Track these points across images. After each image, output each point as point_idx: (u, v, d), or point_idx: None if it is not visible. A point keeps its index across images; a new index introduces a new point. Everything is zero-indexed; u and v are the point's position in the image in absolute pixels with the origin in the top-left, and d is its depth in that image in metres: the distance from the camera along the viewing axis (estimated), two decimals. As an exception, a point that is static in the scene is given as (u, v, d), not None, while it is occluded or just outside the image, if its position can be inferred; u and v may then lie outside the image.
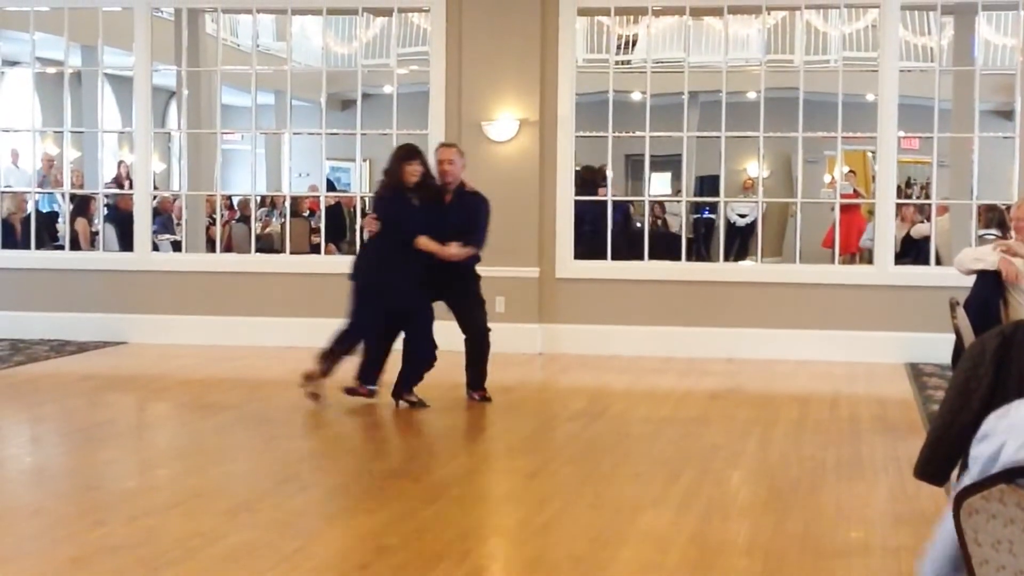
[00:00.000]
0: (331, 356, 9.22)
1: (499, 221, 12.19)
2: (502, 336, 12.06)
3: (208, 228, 15.11)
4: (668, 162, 18.16)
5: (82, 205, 15.45)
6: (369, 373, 9.25)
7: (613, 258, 12.54)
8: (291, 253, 13.62)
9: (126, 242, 13.69)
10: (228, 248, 15.26)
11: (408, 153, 9.16)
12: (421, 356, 9.12)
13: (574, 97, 12.44)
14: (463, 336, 9.44)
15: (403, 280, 9.02)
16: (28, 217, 13.96)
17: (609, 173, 13.13)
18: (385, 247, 9.10)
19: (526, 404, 9.89)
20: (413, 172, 9.05)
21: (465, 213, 9.24)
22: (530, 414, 9.43)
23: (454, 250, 9.04)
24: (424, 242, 8.98)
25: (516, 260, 12.27)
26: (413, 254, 9.02)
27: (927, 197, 16.44)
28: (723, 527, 6.05)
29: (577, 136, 12.52)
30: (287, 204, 14.99)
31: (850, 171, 18.65)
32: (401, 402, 9.15)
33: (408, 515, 6.20)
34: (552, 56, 12.34)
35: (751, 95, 14.96)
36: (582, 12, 12.88)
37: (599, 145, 13.16)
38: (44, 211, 16.41)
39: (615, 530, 5.96)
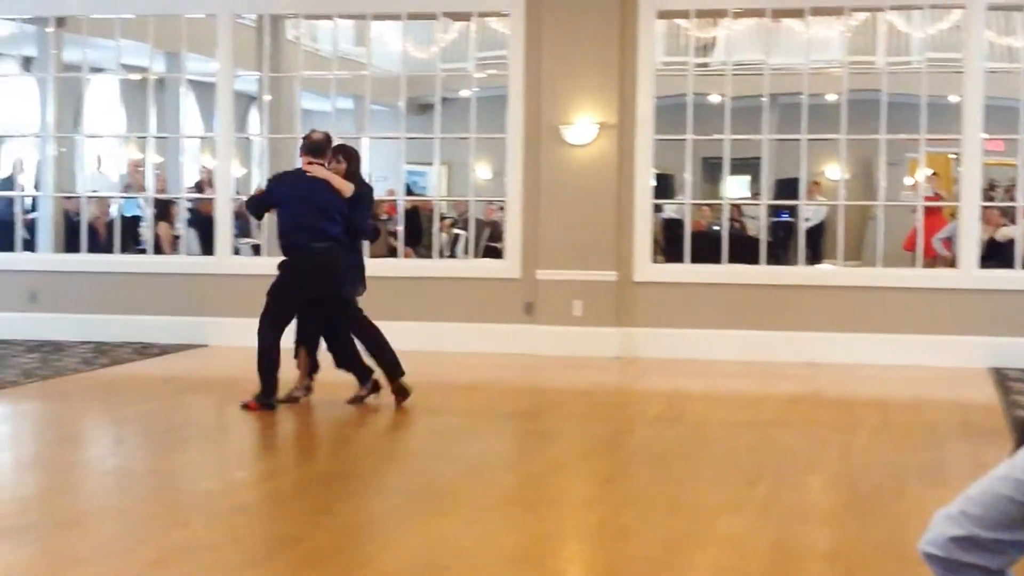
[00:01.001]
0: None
1: (577, 224, 12.25)
2: (579, 340, 12.12)
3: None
4: (746, 165, 18.04)
5: (164, 209, 15.63)
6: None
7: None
8: (369, 257, 13.65)
9: (207, 246, 13.82)
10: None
11: None
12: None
13: (653, 100, 12.39)
14: None
15: None
16: (112, 221, 14.14)
17: (687, 176, 13.07)
18: None
19: (602, 408, 9.87)
20: None
21: None
22: (607, 418, 9.41)
23: None
24: None
25: (593, 264, 12.25)
26: None
27: (1011, 200, 16.18)
28: (803, 532, 5.98)
29: (655, 139, 12.46)
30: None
31: (933, 173, 18.39)
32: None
33: (485, 517, 6.21)
34: (631, 59, 12.30)
35: (831, 97, 14.82)
36: (661, 15, 12.81)
37: (677, 148, 13.10)
38: (127, 215, 16.61)
39: (693, 534, 5.92)
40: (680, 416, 9.30)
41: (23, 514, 6.29)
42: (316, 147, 9.20)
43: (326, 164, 9.20)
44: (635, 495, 6.80)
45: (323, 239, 9.00)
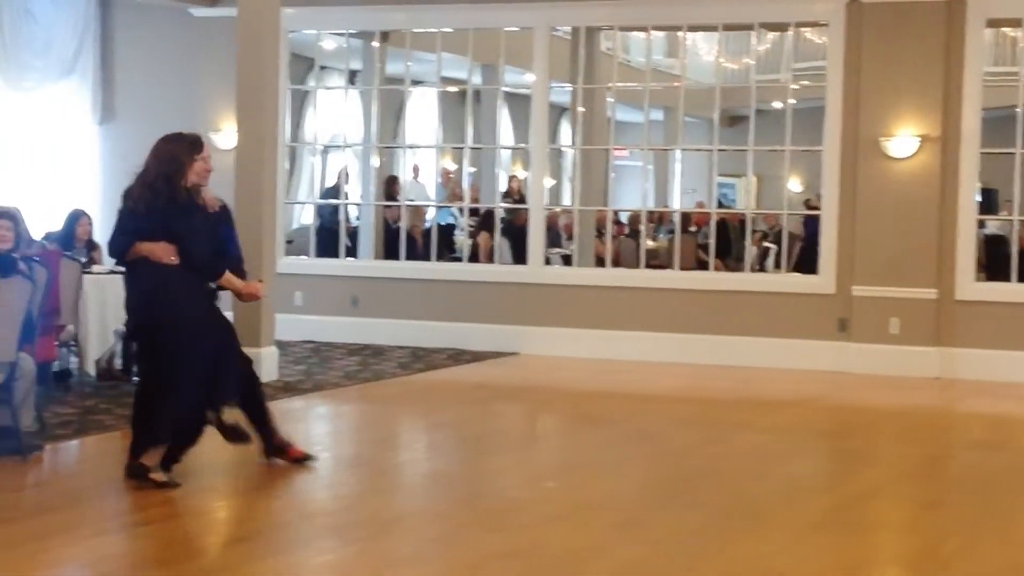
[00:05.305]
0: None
1: (895, 240, 11.87)
2: (896, 359, 11.73)
3: (596, 243, 15.28)
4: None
5: (486, 219, 15.95)
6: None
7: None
8: (680, 269, 13.58)
9: (518, 255, 14.03)
10: (616, 263, 15.40)
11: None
12: None
13: (980, 112, 11.88)
14: None
15: None
16: (429, 229, 14.52)
17: (1016, 192, 12.49)
18: None
19: (920, 430, 9.54)
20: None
21: None
22: (925, 441, 9.07)
23: None
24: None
25: (912, 280, 11.84)
26: None
27: None
28: None
29: (980, 152, 11.94)
30: (676, 219, 14.97)
31: None
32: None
33: (799, 540, 6.06)
34: (957, 69, 11.83)
35: None
36: (991, 23, 12.30)
37: (1002, 162, 12.51)
38: (441, 223, 17.05)
39: (1024, 569, 5.63)
40: (1005, 442, 8.88)
41: (345, 513, 6.51)
42: None
43: None
44: (959, 523, 6.51)
45: None
